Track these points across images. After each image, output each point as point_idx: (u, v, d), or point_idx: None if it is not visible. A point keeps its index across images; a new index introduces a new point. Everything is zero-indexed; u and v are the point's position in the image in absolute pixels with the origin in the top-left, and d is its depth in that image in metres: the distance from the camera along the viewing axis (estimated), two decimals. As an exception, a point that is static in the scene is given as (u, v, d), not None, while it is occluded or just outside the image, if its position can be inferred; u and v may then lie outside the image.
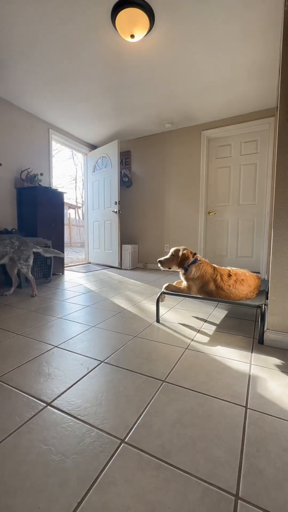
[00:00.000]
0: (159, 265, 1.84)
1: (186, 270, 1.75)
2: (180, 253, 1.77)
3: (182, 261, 1.75)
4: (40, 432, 0.77)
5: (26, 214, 3.30)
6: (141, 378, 1.05)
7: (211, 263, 1.77)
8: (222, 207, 3.86)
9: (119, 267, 4.26)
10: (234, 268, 1.74)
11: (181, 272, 1.79)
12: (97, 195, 4.48)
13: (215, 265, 1.76)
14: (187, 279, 1.74)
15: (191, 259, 1.75)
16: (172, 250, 1.82)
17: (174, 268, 1.81)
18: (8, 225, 3.27)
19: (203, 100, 3.14)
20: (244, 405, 0.90)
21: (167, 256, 1.82)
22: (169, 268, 1.83)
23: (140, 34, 2.00)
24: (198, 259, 1.75)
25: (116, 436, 0.76)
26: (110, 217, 4.23)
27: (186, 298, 2.31)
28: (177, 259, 1.77)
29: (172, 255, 1.81)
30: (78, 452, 0.70)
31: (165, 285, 1.79)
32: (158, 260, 1.84)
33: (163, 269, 1.85)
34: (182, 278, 1.79)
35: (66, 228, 10.36)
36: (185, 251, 1.77)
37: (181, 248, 1.80)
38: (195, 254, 1.78)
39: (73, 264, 4.73)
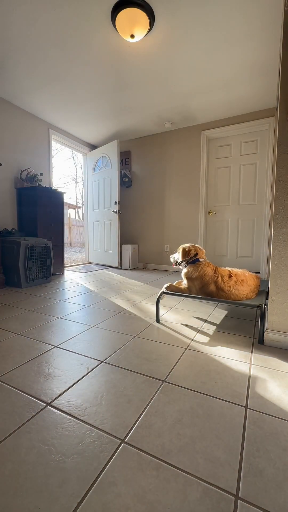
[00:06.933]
0: (179, 266, 1.86)
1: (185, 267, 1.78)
2: (182, 248, 1.80)
3: (183, 256, 1.78)
4: (40, 432, 0.77)
5: (26, 214, 3.30)
6: (141, 378, 1.05)
7: (213, 264, 1.77)
8: (222, 207, 3.86)
9: (119, 267, 4.26)
10: (234, 269, 1.74)
11: (182, 269, 1.82)
12: (97, 195, 4.48)
13: (217, 266, 1.76)
14: (186, 277, 1.75)
15: (192, 257, 1.76)
16: (180, 248, 1.85)
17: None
18: (8, 225, 3.27)
19: (203, 100, 3.14)
20: (244, 405, 0.90)
21: (180, 254, 1.84)
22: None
23: (140, 34, 2.00)
24: (200, 259, 1.75)
25: (116, 436, 0.76)
26: (110, 217, 4.23)
27: (186, 298, 2.31)
28: (183, 255, 1.81)
29: (178, 252, 1.85)
30: (78, 452, 0.70)
31: (165, 285, 1.79)
32: (178, 262, 1.85)
33: (180, 267, 1.87)
34: (182, 275, 1.79)
35: (66, 228, 10.36)
36: (187, 247, 1.79)
37: (188, 245, 1.82)
38: (196, 254, 1.78)
39: (73, 264, 4.73)
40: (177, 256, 1.86)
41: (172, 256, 1.91)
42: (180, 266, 1.84)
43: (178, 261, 1.83)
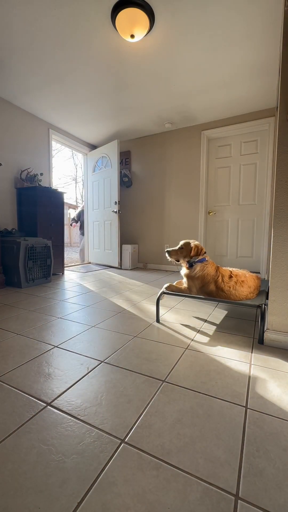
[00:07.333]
0: (166, 255, 1.84)
1: (191, 266, 1.73)
2: (192, 245, 1.75)
3: (196, 254, 1.73)
4: (40, 432, 0.77)
5: (26, 214, 3.30)
6: (141, 378, 1.05)
7: (215, 264, 1.76)
8: (222, 207, 3.86)
9: (119, 267, 4.26)
10: (234, 269, 1.74)
11: (184, 265, 1.78)
12: (97, 195, 4.48)
13: (219, 266, 1.75)
14: (188, 276, 1.72)
15: (201, 256, 1.74)
16: (181, 242, 1.81)
17: (182, 260, 1.80)
18: (8, 225, 3.27)
19: (203, 100, 3.14)
20: (244, 405, 0.90)
21: (176, 248, 1.81)
22: (177, 260, 1.82)
23: (140, 34, 2.00)
24: (206, 259, 1.74)
25: (116, 436, 0.76)
26: (110, 217, 4.23)
27: (186, 298, 2.31)
28: (186, 251, 1.76)
29: (181, 247, 1.79)
30: (78, 452, 0.70)
31: (165, 285, 1.79)
32: (166, 250, 1.84)
33: (170, 259, 1.84)
34: (183, 274, 1.78)
35: (66, 228, 10.36)
36: (198, 244, 1.76)
37: (191, 241, 1.79)
38: (205, 252, 1.78)
39: (73, 264, 4.73)
40: (173, 249, 1.81)
41: (167, 250, 1.84)
42: (183, 264, 1.79)
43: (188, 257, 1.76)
